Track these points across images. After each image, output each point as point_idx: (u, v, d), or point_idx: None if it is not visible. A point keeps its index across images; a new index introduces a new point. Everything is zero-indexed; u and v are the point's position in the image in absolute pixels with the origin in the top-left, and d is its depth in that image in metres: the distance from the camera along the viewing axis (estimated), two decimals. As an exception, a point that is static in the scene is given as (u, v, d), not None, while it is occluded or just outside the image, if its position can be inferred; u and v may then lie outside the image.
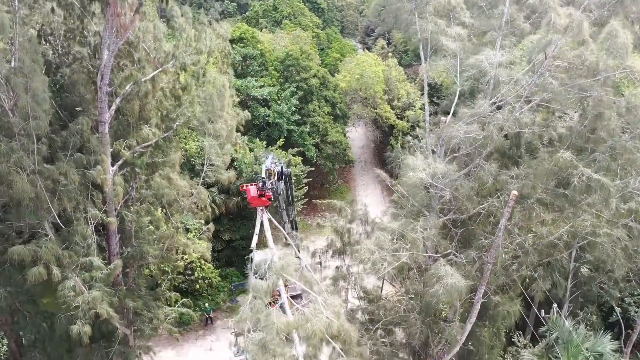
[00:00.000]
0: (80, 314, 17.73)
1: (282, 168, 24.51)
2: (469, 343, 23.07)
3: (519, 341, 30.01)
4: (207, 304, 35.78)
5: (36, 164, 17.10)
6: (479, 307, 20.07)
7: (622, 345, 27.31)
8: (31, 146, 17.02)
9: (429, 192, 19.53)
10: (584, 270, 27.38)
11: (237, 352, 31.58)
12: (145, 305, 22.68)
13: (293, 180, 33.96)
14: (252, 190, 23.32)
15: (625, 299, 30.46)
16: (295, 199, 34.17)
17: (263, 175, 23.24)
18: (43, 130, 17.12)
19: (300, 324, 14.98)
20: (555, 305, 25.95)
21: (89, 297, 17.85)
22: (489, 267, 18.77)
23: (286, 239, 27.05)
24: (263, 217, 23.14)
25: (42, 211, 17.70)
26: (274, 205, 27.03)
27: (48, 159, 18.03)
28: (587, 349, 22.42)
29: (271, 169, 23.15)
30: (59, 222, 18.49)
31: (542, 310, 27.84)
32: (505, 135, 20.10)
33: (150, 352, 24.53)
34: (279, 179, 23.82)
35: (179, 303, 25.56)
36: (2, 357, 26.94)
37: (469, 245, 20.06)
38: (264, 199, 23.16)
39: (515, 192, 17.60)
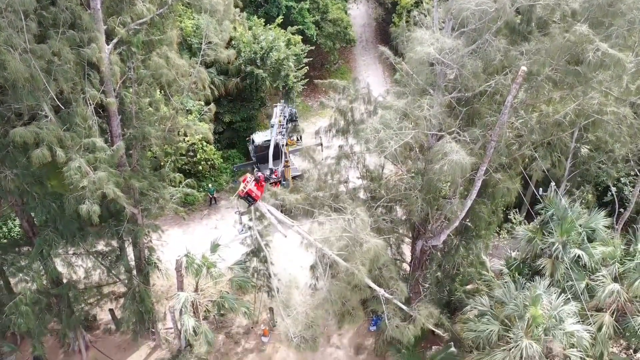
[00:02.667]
0: (87, 194, 18.04)
1: (287, 116, 24.67)
2: (467, 219, 23.79)
3: (514, 218, 31.04)
4: (210, 185, 36.48)
5: (27, 43, 16.42)
6: (479, 184, 20.37)
7: (615, 222, 28.26)
8: (19, 23, 16.22)
9: (434, 69, 18.99)
10: (584, 150, 27.56)
11: (242, 230, 32.75)
12: (151, 185, 23.05)
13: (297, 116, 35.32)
14: (254, 189, 22.63)
15: (621, 179, 31.00)
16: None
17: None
18: (30, 6, 16.21)
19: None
20: (553, 183, 26.43)
21: (94, 177, 18.05)
22: (493, 145, 18.74)
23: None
24: (268, 207, 22.90)
25: (39, 92, 17.31)
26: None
27: (39, 39, 17.30)
28: (580, 225, 23.21)
29: (278, 140, 22.71)
30: (58, 103, 18.18)
31: (540, 189, 28.44)
32: (517, 10, 19.16)
33: (158, 231, 25.37)
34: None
35: (183, 184, 25.95)
36: (16, 236, 27.93)
37: (473, 123, 19.90)
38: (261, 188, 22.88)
39: (524, 68, 17.10)
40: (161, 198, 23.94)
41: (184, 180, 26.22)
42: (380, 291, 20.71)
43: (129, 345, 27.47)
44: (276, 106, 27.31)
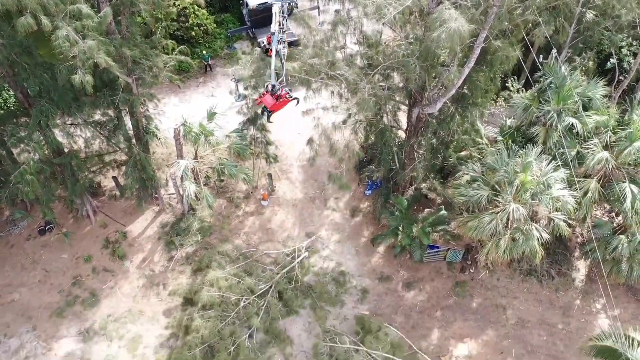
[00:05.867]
0: (78, 63, 17.73)
1: (286, 16, 22.23)
2: (464, 87, 23.64)
3: (512, 86, 30.76)
4: (204, 52, 35.58)
5: None
6: (478, 51, 19.96)
7: (613, 90, 28.01)
8: None
9: None
10: (590, 15, 26.45)
11: (238, 98, 32.67)
12: (143, 53, 22.51)
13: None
14: (268, 99, 21.26)
15: (622, 49, 30.13)
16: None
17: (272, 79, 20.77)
18: None
19: None
20: (554, 50, 25.82)
21: (84, 46, 17.59)
22: (494, 11, 18.03)
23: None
24: None
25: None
26: None
27: None
28: (577, 94, 23.09)
29: (279, 49, 20.66)
30: (36, -34, 17.13)
31: (541, 56, 27.86)
32: None
33: (154, 99, 25.30)
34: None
35: (176, 51, 25.32)
36: (12, 107, 27.84)
37: (476, -13, 18.96)
38: (281, 100, 21.27)
39: None
40: (154, 66, 23.52)
41: (177, 47, 25.55)
42: None
43: (134, 210, 28.69)
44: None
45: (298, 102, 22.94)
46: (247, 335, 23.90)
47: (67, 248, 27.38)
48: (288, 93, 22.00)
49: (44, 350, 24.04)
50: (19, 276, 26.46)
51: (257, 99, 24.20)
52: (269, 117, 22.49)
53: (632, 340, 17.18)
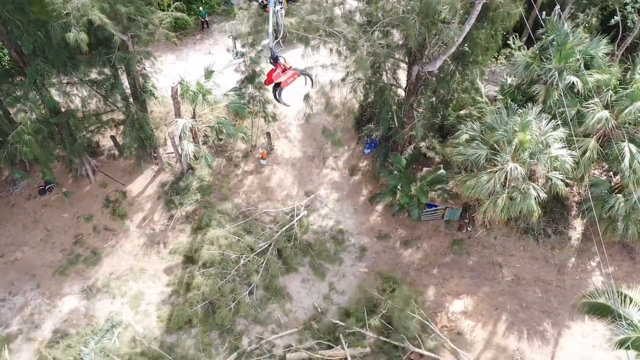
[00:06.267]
0: (72, 21, 17.44)
1: None
2: (465, 44, 23.29)
3: (514, 43, 30.31)
4: (201, 8, 34.92)
5: None
6: (480, 8, 19.61)
7: (616, 48, 27.61)
8: None
9: None
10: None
11: (236, 56, 32.24)
12: (138, 10, 22.05)
13: None
14: (277, 75, 19.92)
15: (627, 6, 29.52)
16: None
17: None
18: None
19: None
20: (557, 7, 25.32)
21: (77, 3, 17.27)
22: (497, -33, 17.66)
23: None
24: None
25: None
26: None
27: None
28: (579, 52, 22.78)
29: (277, 11, 19.43)
30: None
31: (544, 12, 27.33)
32: None
33: (150, 57, 24.95)
34: None
35: (172, 7, 24.84)
36: (7, 66, 27.48)
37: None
38: (287, 73, 19.96)
39: None
40: (150, 23, 23.07)
41: (173, 3, 25.06)
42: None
43: (133, 170, 28.74)
44: None
45: (313, 82, 21.75)
46: (247, 292, 24.35)
47: (68, 207, 27.56)
48: (299, 69, 20.93)
49: (48, 307, 24.52)
50: (20, 235, 26.73)
51: (266, 82, 23.35)
52: (279, 95, 20.97)
53: (625, 297, 17.49)
